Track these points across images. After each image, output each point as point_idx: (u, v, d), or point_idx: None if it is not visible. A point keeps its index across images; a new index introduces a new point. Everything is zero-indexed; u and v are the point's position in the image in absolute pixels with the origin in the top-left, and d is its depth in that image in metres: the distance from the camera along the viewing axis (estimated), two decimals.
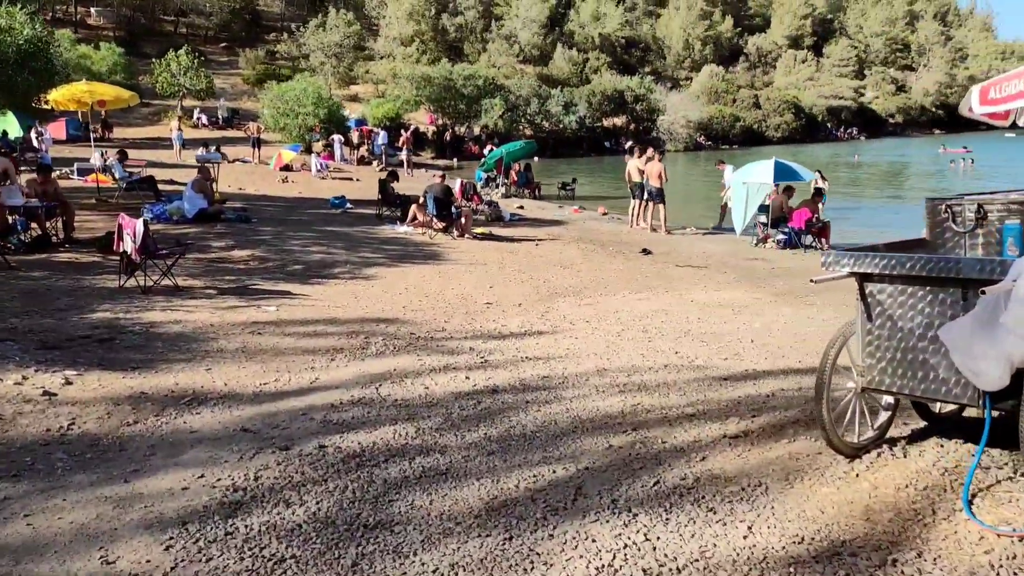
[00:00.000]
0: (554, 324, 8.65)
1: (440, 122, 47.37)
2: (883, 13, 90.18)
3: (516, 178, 25.64)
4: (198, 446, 4.86)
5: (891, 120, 77.09)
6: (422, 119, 46.88)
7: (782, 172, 15.11)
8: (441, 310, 9.19)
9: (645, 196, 17.06)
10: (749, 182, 15.11)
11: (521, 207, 20.74)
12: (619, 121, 55.83)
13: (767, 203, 15.17)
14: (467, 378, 6.39)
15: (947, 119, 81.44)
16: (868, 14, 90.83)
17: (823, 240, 14.78)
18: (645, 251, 14.03)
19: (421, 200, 14.80)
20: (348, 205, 18.46)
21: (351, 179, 28.15)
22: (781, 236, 14.88)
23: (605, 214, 21.01)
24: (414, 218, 15.33)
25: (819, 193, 15.23)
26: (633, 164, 18.02)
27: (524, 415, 5.35)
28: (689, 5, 76.22)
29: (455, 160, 41.70)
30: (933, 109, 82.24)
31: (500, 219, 17.55)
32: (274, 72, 48.47)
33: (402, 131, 35.70)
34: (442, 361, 6.96)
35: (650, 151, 17.90)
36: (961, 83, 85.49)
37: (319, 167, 28.97)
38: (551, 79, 59.15)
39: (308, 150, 33.11)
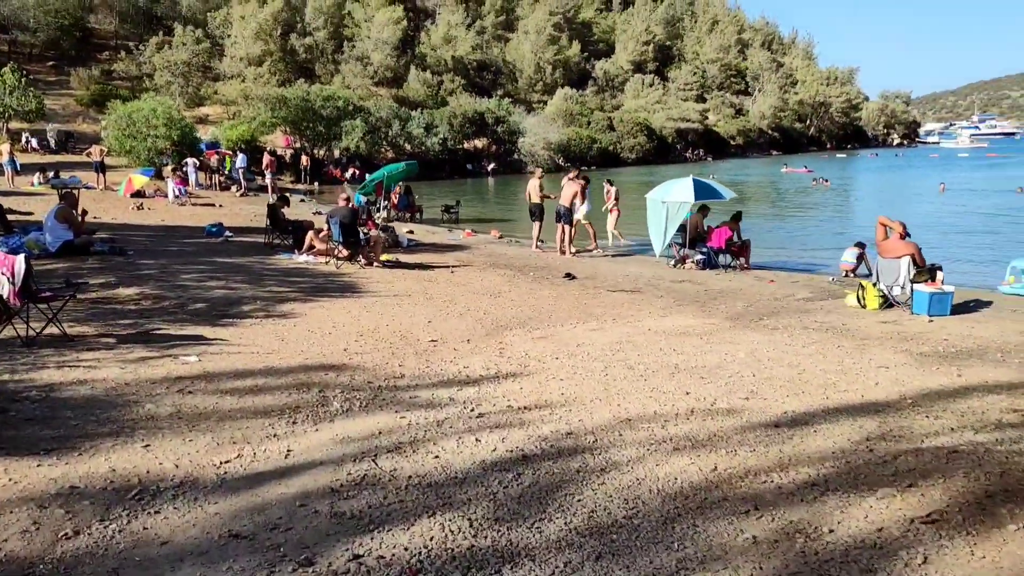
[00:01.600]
0: (522, 363, 7.70)
1: (297, 144, 45.21)
2: (717, 41, 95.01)
3: (397, 201, 24.40)
4: (181, 568, 3.57)
5: (733, 142, 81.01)
6: (279, 142, 44.58)
7: (702, 190, 14.81)
8: (387, 351, 8.02)
9: (555, 217, 16.39)
10: (669, 201, 14.68)
11: (411, 232, 19.57)
12: (480, 143, 55.40)
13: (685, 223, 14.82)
14: (478, 441, 5.33)
15: (783, 141, 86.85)
16: (703, 42, 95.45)
17: (742, 259, 14.57)
18: (569, 276, 13.28)
19: (325, 227, 13.42)
20: (228, 233, 16.69)
21: (213, 205, 26.03)
22: (700, 256, 14.54)
23: (501, 237, 20.20)
24: (311, 246, 13.91)
25: (739, 215, 15.08)
26: (533, 184, 17.32)
27: (588, 491, 4.37)
28: (537, 30, 77.23)
29: (316, 184, 39.81)
30: (770, 131, 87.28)
31: (398, 245, 16.35)
32: (112, 92, 44.62)
33: (265, 154, 33.53)
34: (429, 417, 5.86)
35: (573, 173, 17.24)
36: (792, 107, 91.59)
37: (176, 193, 26.59)
38: (407, 101, 58.08)
39: (160, 175, 30.46)
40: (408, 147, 48.17)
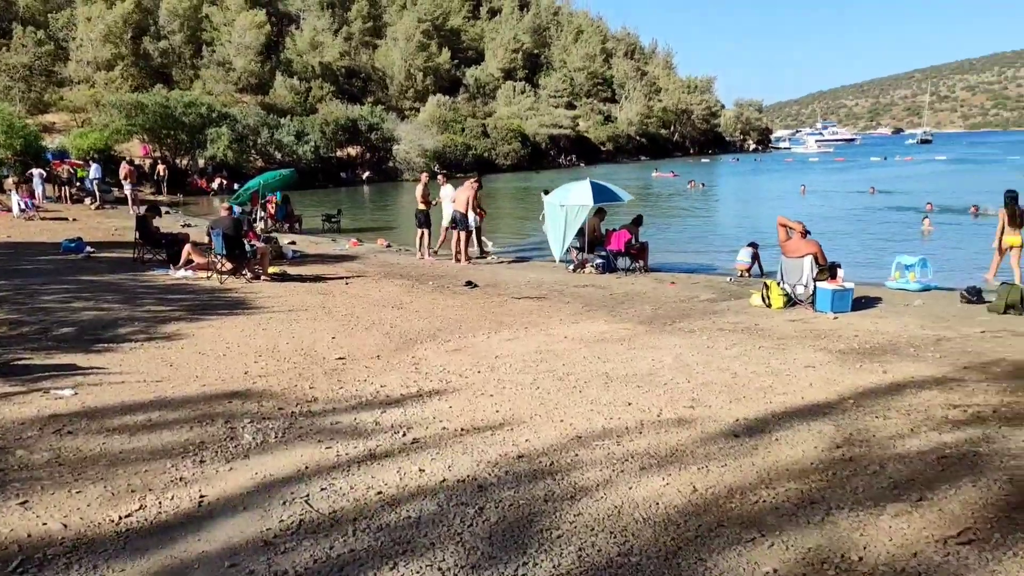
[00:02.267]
0: (442, 379, 7.18)
1: (157, 154, 42.70)
2: (583, 50, 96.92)
3: (274, 211, 23.21)
4: None
5: (604, 148, 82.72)
6: (137, 151, 41.94)
7: (600, 193, 14.64)
8: (293, 373, 7.31)
9: (450, 223, 15.88)
10: (568, 204, 14.43)
11: (293, 242, 18.58)
12: (354, 151, 54.07)
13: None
14: (422, 471, 4.78)
15: (650, 146, 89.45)
16: (570, 50, 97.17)
17: (641, 262, 14.50)
18: (470, 284, 12.80)
19: (206, 239, 12.39)
20: (89, 249, 15.26)
21: (66, 219, 24.05)
22: (599, 260, 14.37)
23: (388, 246, 19.48)
24: (189, 260, 12.84)
25: (640, 219, 15.01)
26: (419, 190, 16.77)
27: (565, 524, 3.92)
28: (407, 36, 76.40)
29: (179, 195, 37.68)
30: (638, 137, 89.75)
31: (283, 257, 15.42)
32: None
33: (123, 164, 31.28)
34: (359, 447, 5.27)
35: (474, 178, 16.73)
36: (657, 114, 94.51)
37: (22, 207, 24.40)
38: (275, 108, 56.00)
39: (1, 187, 27.94)
40: (279, 155, 46.44)
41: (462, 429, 5.65)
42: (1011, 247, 12.89)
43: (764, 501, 3.98)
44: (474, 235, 16.95)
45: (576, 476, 4.56)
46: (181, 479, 4.68)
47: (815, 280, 10.54)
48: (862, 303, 10.85)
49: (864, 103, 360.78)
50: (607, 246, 14.42)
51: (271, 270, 12.85)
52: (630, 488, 4.30)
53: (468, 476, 4.64)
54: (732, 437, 5.21)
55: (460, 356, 8.13)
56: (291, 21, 76.59)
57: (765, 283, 10.94)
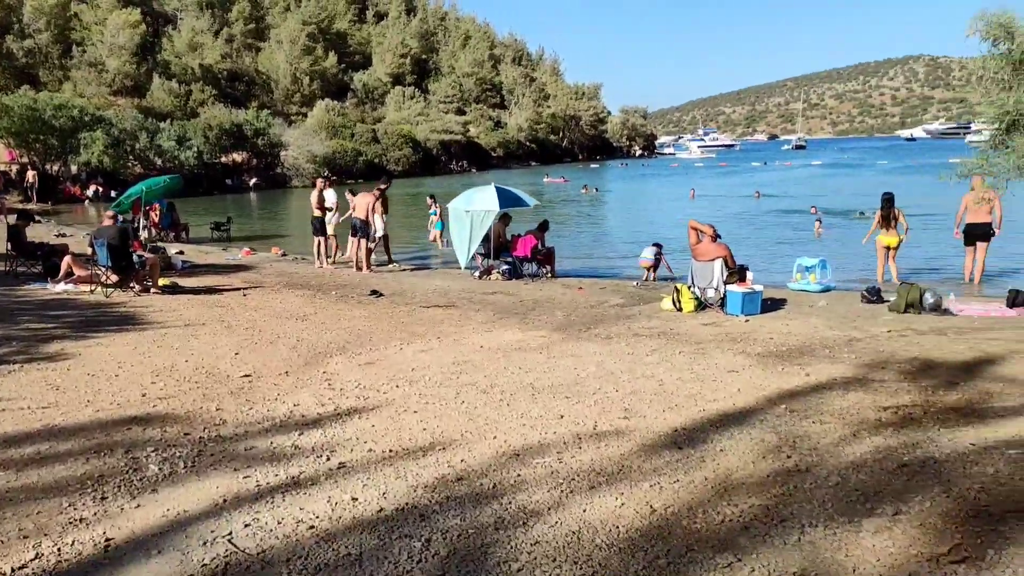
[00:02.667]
0: (360, 395, 6.80)
1: (24, 159, 40.03)
2: (471, 56, 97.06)
3: (159, 220, 21.99)
4: None
5: (494, 153, 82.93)
6: (1, 155, 39.21)
7: (505, 199, 14.43)
8: (196, 393, 6.77)
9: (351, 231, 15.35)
10: (473, 210, 14.15)
11: (181, 252, 17.60)
12: (239, 157, 52.20)
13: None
14: (355, 500, 4.43)
15: (540, 152, 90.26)
16: (459, 56, 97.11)
17: (548, 268, 14.38)
18: (375, 293, 12.36)
19: (89, 249, 11.49)
20: None
21: None
22: (505, 266, 14.16)
23: (284, 254, 18.73)
24: (70, 272, 11.89)
25: (546, 224, 14.89)
26: (314, 196, 16.20)
27: (523, 555, 3.64)
28: (291, 39, 74.58)
29: (50, 203, 35.45)
30: (528, 143, 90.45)
31: (172, 267, 14.54)
32: None
33: None
34: (280, 474, 4.86)
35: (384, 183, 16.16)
36: (546, 120, 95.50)
37: None
38: (153, 112, 53.59)
39: None
40: (159, 161, 44.36)
41: (390, 450, 5.30)
42: (887, 247, 13.52)
43: (730, 520, 3.81)
44: (383, 242, 16.53)
45: (523, 498, 4.29)
46: (81, 520, 4.17)
47: (725, 283, 10.65)
48: (769, 305, 11.03)
49: (741, 110, 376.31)
50: (513, 252, 14.24)
51: (161, 282, 12.05)
52: (584, 510, 4.07)
53: (407, 503, 4.31)
54: (676, 449, 5.05)
55: (374, 370, 7.74)
56: (168, 21, 73.56)
57: (676, 287, 10.98)
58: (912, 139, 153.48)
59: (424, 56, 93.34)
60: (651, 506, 4.05)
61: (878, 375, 7.04)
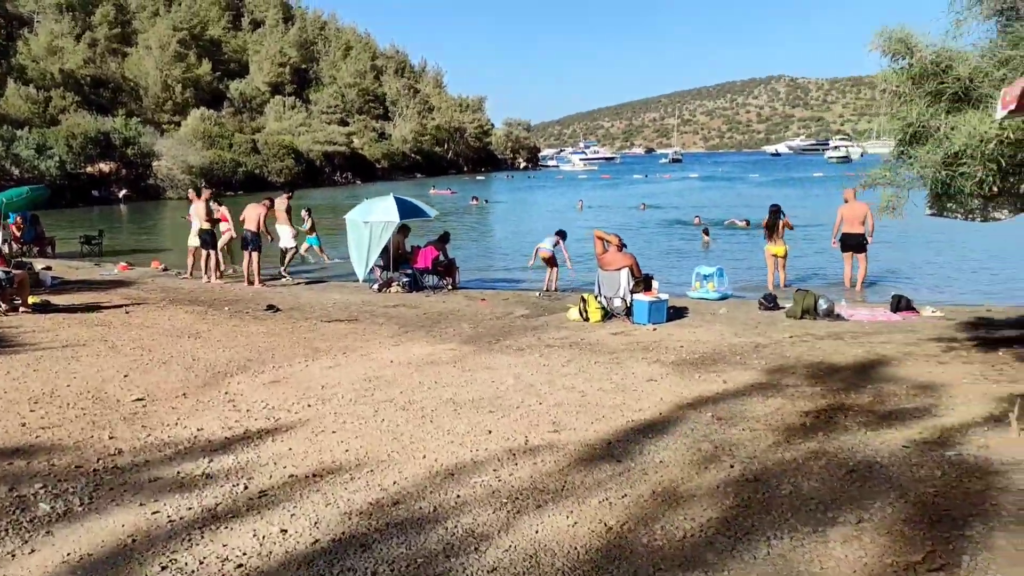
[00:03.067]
0: (270, 416, 6.42)
1: None
2: (353, 66, 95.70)
3: (21, 234, 20.41)
4: None
5: (379, 165, 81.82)
6: None
7: (406, 209, 14.07)
8: (84, 421, 6.21)
9: (241, 244, 14.64)
10: (372, 221, 13.70)
11: (49, 268, 16.36)
12: (107, 167, 49.41)
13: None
14: (284, 532, 4.09)
15: (425, 164, 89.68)
16: (340, 66, 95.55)
17: (449, 280, 14.13)
18: (272, 308, 11.80)
19: None
20: None
21: None
22: (405, 279, 13.82)
23: (166, 269, 17.72)
24: None
25: (447, 236, 14.62)
26: (196, 208, 15.44)
27: None
28: (161, 45, 71.46)
29: None
30: (413, 155, 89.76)
31: (41, 284, 13.47)
32: None
33: None
34: (193, 507, 4.48)
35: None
36: (431, 131, 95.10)
37: None
38: (8, 119, 50.01)
39: None
40: (16, 171, 41.46)
41: (313, 474, 4.96)
42: (775, 256, 14.13)
43: (692, 535, 3.71)
44: (288, 255, 15.93)
45: (468, 521, 4.06)
46: None
47: (632, 292, 10.71)
48: (672, 313, 11.15)
49: (619, 124, 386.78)
50: (413, 264, 13.93)
51: (31, 300, 11.11)
52: (536, 531, 3.88)
53: (343, 533, 4.01)
54: (614, 461, 4.94)
55: (281, 389, 7.33)
56: (24, 24, 69.06)
57: (582, 297, 10.96)
58: (777, 154, 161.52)
59: (304, 65, 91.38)
60: (606, 524, 3.90)
61: (789, 380, 7.17)
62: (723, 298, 12.72)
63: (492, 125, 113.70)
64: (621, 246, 11.11)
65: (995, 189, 5.55)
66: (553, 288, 14.20)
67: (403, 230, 14.37)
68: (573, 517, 4.02)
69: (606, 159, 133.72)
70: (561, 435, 5.65)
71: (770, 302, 11.48)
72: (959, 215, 6.74)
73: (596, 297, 10.93)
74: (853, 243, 13.91)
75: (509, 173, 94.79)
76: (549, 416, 6.18)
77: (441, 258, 13.92)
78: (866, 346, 8.63)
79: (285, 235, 15.84)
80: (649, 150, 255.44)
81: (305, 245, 17.20)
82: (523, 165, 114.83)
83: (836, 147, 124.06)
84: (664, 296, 10.78)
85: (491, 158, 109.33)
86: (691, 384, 7.15)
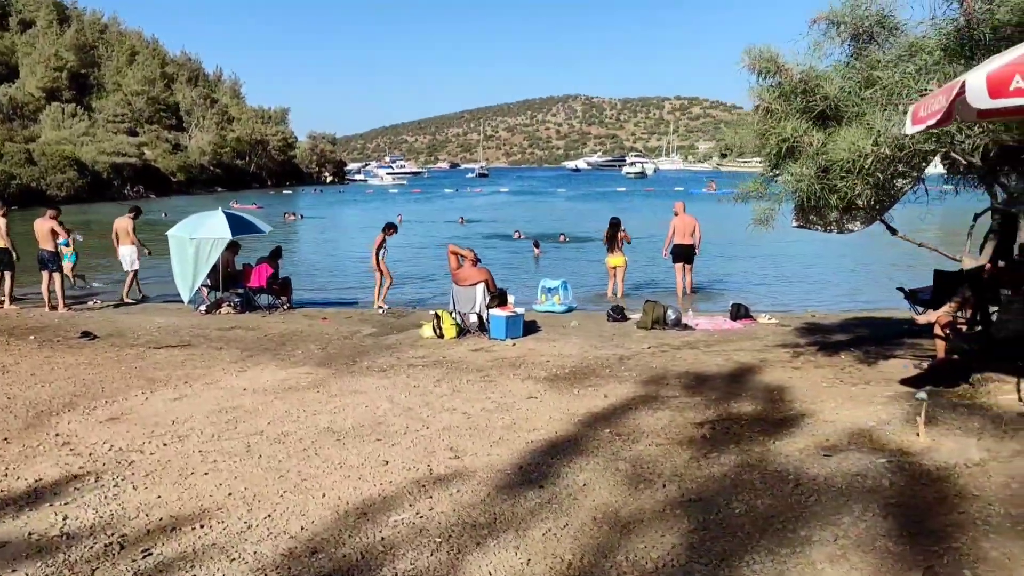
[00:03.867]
0: (119, 459, 5.75)
1: None
2: (140, 73, 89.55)
3: None
4: None
5: (175, 178, 76.83)
6: None
7: (238, 225, 13.07)
8: None
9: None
10: (200, 238, 12.58)
11: None
12: None
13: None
14: None
15: (227, 177, 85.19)
16: (125, 72, 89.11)
17: (284, 298, 13.30)
18: (88, 335, 10.57)
19: None
20: None
21: None
22: (236, 299, 12.87)
23: None
24: None
25: (279, 250, 13.73)
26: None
27: None
28: None
29: None
30: (212, 168, 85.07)
31: None
32: None
33: None
34: (49, 572, 3.78)
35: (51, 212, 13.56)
36: (231, 143, 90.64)
37: None
38: None
39: None
40: None
41: (200, 526, 4.36)
42: (613, 267, 14.65)
43: (664, 564, 3.53)
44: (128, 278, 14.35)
45: (406, 566, 3.67)
46: None
47: (488, 307, 10.54)
48: (524, 328, 11.10)
49: (423, 139, 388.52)
50: (245, 283, 13.00)
51: None
52: (489, 573, 3.56)
53: None
54: (536, 487, 4.71)
55: (124, 426, 6.53)
56: None
57: (436, 313, 10.65)
58: (577, 170, 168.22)
59: (84, 71, 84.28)
60: (562, 558, 3.65)
61: (666, 391, 7.26)
62: (569, 310, 12.85)
63: (296, 138, 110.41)
64: (476, 260, 10.92)
65: (867, 203, 5.88)
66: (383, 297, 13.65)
67: (232, 247, 13.39)
68: (523, 553, 3.75)
69: (413, 173, 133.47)
70: (464, 461, 5.35)
71: (618, 314, 11.71)
72: (819, 227, 7.12)
73: (451, 313, 10.66)
74: (684, 254, 14.61)
75: (317, 187, 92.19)
76: (442, 441, 5.85)
77: (275, 276, 13.09)
78: (723, 355, 8.94)
79: (127, 256, 14.29)
80: (454, 165, 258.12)
81: (67, 264, 15.33)
82: (329, 179, 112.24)
83: (632, 163, 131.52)
84: (520, 311, 10.69)
85: (296, 172, 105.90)
86: (573, 400, 7.06)
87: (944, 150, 5.80)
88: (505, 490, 4.69)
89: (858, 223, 7.04)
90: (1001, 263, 6.71)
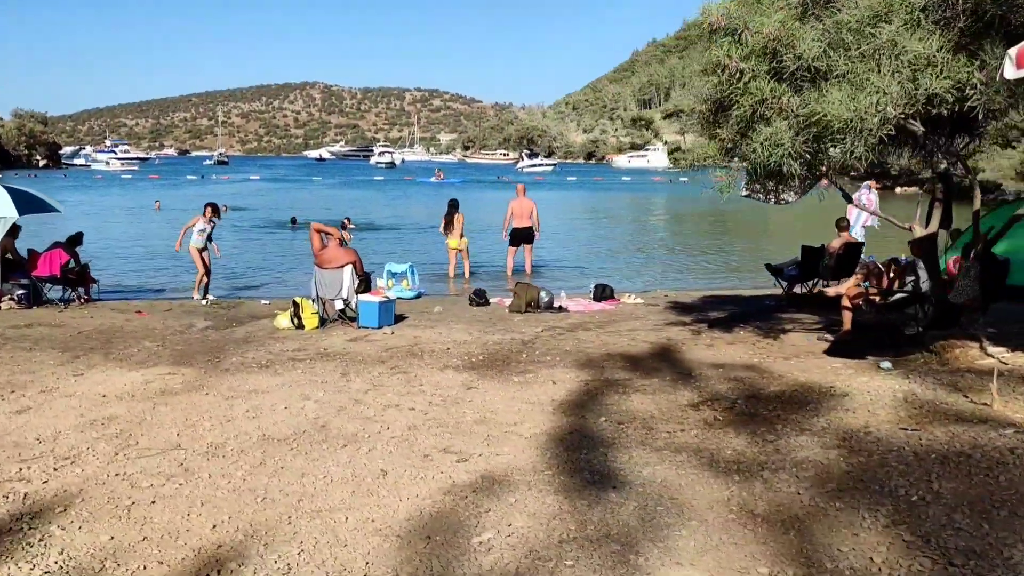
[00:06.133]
0: (9, 493, 4.27)
1: None
2: None
3: None
4: None
5: None
6: None
7: (25, 202, 10.65)
8: None
9: None
10: None
11: None
12: None
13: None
14: None
15: None
16: None
17: (83, 289, 11.15)
18: None
19: None
20: None
21: None
22: (20, 291, 10.59)
23: None
24: None
25: (79, 236, 11.43)
26: None
27: None
28: None
29: None
30: None
31: None
32: None
33: None
34: None
35: None
36: None
37: None
38: None
39: None
40: None
41: (218, 572, 3.23)
42: (455, 249, 14.18)
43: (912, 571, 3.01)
44: None
45: None
46: None
47: (357, 292, 9.47)
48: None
49: (146, 124, 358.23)
50: (33, 272, 10.71)
51: None
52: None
53: None
54: (609, 490, 4.02)
55: None
56: None
57: (294, 301, 9.39)
58: (322, 159, 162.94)
59: None
60: (757, 571, 3.03)
61: (613, 375, 6.78)
62: (418, 296, 12.01)
63: (1, 117, 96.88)
64: (343, 240, 9.74)
65: (864, 166, 5.78)
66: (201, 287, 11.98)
67: (13, 231, 10.94)
68: (699, 569, 3.07)
69: (141, 159, 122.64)
70: (477, 464, 4.53)
71: (480, 297, 11.09)
72: (760, 196, 7.01)
73: (312, 300, 9.46)
74: (522, 235, 14.41)
75: (32, 172, 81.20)
76: (424, 443, 4.96)
77: (72, 264, 10.92)
78: (626, 335, 8.64)
79: None
80: (183, 152, 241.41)
81: None
82: (43, 163, 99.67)
83: (382, 153, 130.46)
84: (392, 296, 9.74)
85: (3, 155, 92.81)
86: (520, 388, 6.38)
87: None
88: (574, 495, 3.96)
89: (792, 194, 7.03)
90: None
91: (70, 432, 5.37)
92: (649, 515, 3.62)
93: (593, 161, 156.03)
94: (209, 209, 12.08)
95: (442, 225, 14.42)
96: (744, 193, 6.92)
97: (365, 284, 9.72)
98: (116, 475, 4.49)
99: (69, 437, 5.25)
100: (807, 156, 5.76)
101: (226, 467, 4.58)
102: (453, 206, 14.18)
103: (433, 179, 68.14)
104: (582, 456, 4.57)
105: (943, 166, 6.65)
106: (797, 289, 10.80)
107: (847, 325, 7.80)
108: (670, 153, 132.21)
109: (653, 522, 3.55)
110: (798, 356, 7.21)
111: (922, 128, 5.85)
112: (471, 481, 4.24)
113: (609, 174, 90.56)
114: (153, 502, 4.06)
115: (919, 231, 6.70)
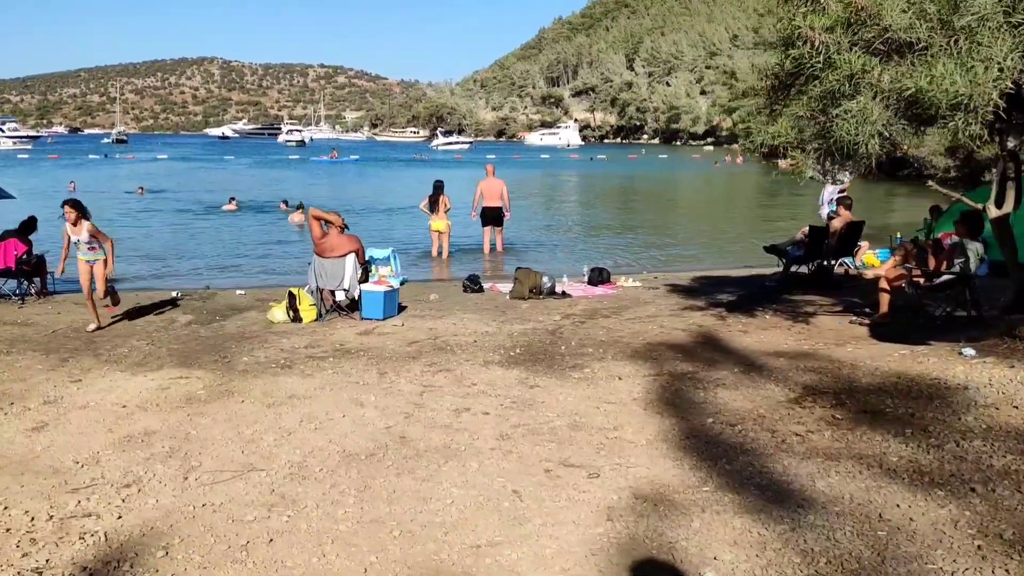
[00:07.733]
0: (83, 533, 3.71)
1: None
2: None
3: None
4: None
5: None
6: None
7: None
8: None
9: None
10: None
11: None
12: None
13: None
14: None
15: None
16: None
17: (39, 280, 10.08)
18: None
19: None
20: None
21: None
22: None
23: None
24: None
25: (33, 222, 10.25)
26: None
27: None
28: None
29: None
30: None
31: None
32: None
33: None
34: None
35: None
36: None
37: None
38: None
39: None
40: None
41: None
42: (438, 231, 13.73)
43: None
44: None
45: None
46: None
47: (360, 282, 8.83)
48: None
49: (31, 100, 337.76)
50: None
51: None
52: None
53: None
54: (796, 509, 3.64)
55: (12, 481, 4.25)
56: None
57: (290, 292, 8.69)
58: (226, 137, 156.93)
59: None
60: None
61: (675, 367, 6.42)
62: (403, 282, 11.38)
63: None
64: (344, 227, 9.02)
65: (975, 143, 5.54)
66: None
67: None
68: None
69: (32, 137, 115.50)
70: (612, 480, 4.10)
71: (475, 284, 10.59)
72: (819, 176, 6.74)
73: (311, 292, 8.77)
74: (492, 216, 14.05)
75: None
76: (532, 455, 4.49)
77: (29, 254, 9.84)
78: (646, 324, 8.25)
79: None
80: (75, 129, 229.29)
81: None
82: None
83: (291, 131, 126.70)
84: (396, 284, 9.14)
85: None
86: (584, 386, 5.94)
87: None
88: (764, 518, 3.56)
89: (848, 173, 6.80)
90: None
91: (110, 452, 4.69)
92: (880, 543, 3.25)
93: (504, 139, 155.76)
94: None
95: (425, 203, 13.95)
96: (809, 174, 6.64)
97: (365, 274, 9.09)
98: (203, 505, 3.88)
99: (113, 458, 4.58)
100: (896, 134, 5.48)
101: (327, 492, 4.02)
102: (438, 188, 13.72)
103: (327, 157, 66.78)
104: (730, 467, 4.18)
105: (1011, 144, 6.49)
106: (803, 269, 10.63)
107: (884, 308, 7.64)
108: (580, 130, 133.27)
109: (890, 552, 3.18)
110: (849, 342, 7.00)
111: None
112: (626, 502, 3.81)
113: (525, 152, 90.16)
114: (272, 540, 3.49)
115: (993, 211, 6.57)
